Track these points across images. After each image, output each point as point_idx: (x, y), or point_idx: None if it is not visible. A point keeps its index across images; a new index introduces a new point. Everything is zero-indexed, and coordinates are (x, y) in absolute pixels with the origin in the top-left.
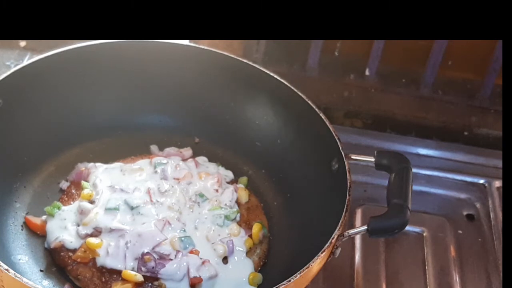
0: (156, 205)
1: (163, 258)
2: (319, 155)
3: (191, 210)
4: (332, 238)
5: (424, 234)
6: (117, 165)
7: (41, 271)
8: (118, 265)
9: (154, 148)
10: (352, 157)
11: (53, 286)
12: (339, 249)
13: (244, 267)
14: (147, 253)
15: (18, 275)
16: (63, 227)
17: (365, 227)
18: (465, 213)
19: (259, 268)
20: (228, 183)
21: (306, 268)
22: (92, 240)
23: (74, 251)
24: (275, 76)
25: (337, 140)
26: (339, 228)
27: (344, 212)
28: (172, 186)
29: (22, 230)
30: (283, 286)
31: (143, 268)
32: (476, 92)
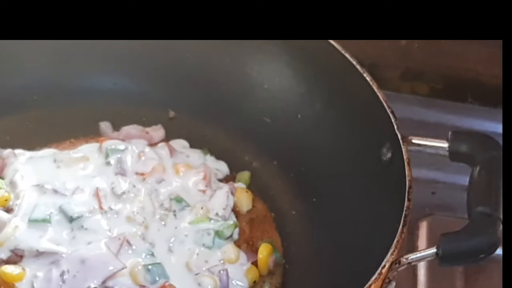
0: (109, 214)
1: None
2: (362, 138)
3: (163, 223)
4: (382, 267)
5: None
6: (48, 152)
7: None
8: None
9: (105, 126)
10: (414, 141)
11: None
12: (393, 284)
13: None
14: None
15: None
16: None
17: (433, 250)
18: None
19: None
20: (220, 181)
21: None
22: (9, 270)
23: None
24: None
25: (390, 115)
26: (393, 251)
27: (400, 226)
28: (134, 186)
29: None
30: None
31: None
32: None
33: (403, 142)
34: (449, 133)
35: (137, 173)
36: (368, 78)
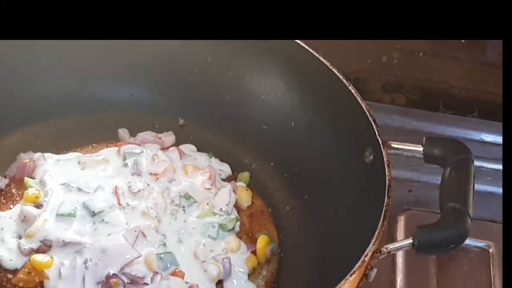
0: (126, 210)
1: (136, 282)
2: (348, 143)
3: (174, 217)
4: (365, 256)
5: (491, 250)
6: (73, 155)
7: None
8: None
9: (123, 132)
10: (393, 145)
11: None
12: (375, 270)
13: None
14: (114, 275)
15: None
16: (0, 240)
17: (410, 241)
18: None
19: None
20: (223, 180)
21: None
22: (39, 258)
23: (14, 272)
24: None
25: (372, 123)
26: (375, 242)
27: (381, 220)
28: (148, 184)
29: None
30: None
31: None
32: None
33: (383, 146)
34: (424, 138)
35: (151, 174)
36: (353, 90)
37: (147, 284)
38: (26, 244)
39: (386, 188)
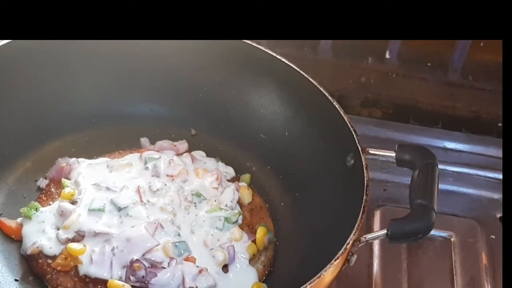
0: (147, 205)
1: (155, 266)
2: (333, 150)
3: (187, 212)
4: (347, 244)
5: (452, 239)
6: (102, 160)
7: (16, 280)
8: (103, 274)
9: (144, 141)
10: (370, 151)
11: None
12: (355, 256)
13: (246, 276)
14: (137, 260)
15: None
16: (41, 231)
17: (384, 231)
18: (498, 215)
19: (264, 278)
20: (228, 181)
21: (317, 278)
22: (74, 246)
23: (53, 258)
24: (283, 60)
25: (353, 132)
26: (355, 232)
27: (360, 214)
28: (165, 184)
29: None
30: None
31: (132, 278)
32: None
33: (362, 152)
34: (396, 145)
35: (167, 175)
36: (337, 105)
37: (164, 267)
38: (63, 235)
39: (365, 187)
